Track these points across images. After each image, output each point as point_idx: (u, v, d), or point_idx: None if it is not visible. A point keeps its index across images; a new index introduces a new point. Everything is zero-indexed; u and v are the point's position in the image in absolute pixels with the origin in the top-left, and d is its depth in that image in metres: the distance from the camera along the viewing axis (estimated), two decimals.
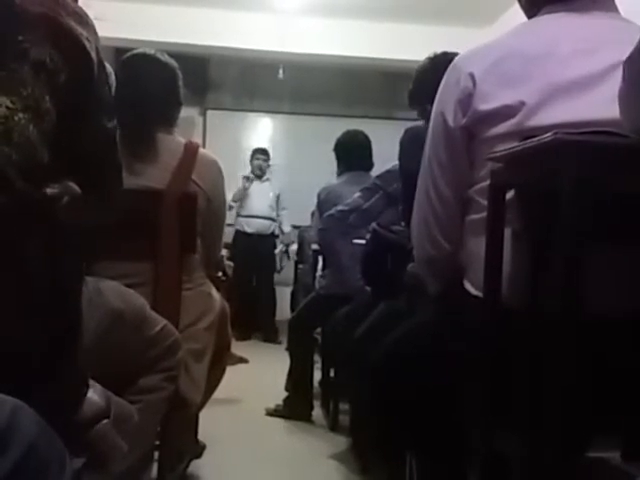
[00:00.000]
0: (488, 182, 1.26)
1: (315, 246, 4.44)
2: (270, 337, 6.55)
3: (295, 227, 6.68)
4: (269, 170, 6.80)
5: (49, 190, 0.89)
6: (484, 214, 1.27)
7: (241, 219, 6.59)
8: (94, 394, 1.07)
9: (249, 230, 6.59)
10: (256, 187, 6.67)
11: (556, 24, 1.38)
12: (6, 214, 0.80)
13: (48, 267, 0.85)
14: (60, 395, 0.88)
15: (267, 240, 6.70)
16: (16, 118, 0.85)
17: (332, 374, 3.62)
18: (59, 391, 0.88)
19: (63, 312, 0.90)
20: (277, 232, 6.80)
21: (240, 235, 6.54)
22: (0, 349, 0.78)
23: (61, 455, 0.72)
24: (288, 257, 6.87)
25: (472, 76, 1.34)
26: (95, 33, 1.03)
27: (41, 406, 0.71)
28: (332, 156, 3.86)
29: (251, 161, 6.72)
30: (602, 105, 1.20)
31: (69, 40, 0.96)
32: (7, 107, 0.84)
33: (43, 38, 0.93)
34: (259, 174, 6.68)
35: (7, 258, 0.80)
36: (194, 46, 6.27)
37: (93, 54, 1.01)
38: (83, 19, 1.01)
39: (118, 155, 1.16)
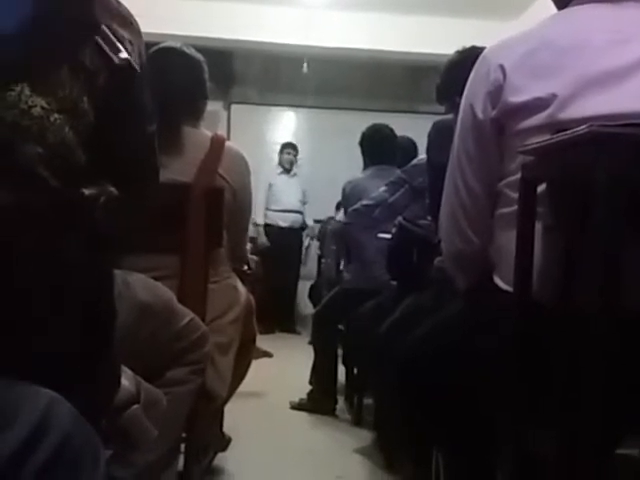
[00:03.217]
0: (519, 175, 1.24)
1: (334, 247, 4.43)
2: (288, 327, 6.58)
3: (317, 221, 6.69)
4: (296, 165, 6.83)
5: (86, 191, 0.88)
6: (514, 208, 1.26)
7: (271, 213, 6.61)
8: (125, 380, 1.08)
9: (283, 224, 6.61)
10: (285, 181, 6.70)
11: (588, 15, 1.36)
12: (42, 213, 0.80)
13: (84, 265, 0.85)
14: (94, 393, 0.88)
15: (298, 233, 6.77)
16: (51, 119, 0.84)
17: (356, 369, 3.61)
18: (93, 389, 0.88)
19: (98, 309, 0.90)
20: (304, 225, 6.85)
21: (272, 229, 6.56)
22: (36, 347, 0.79)
23: (96, 448, 0.73)
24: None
25: (502, 68, 1.32)
26: (139, 35, 1.02)
27: (75, 401, 0.72)
28: (356, 150, 3.85)
29: (280, 155, 6.74)
30: (637, 97, 1.18)
31: (110, 42, 0.95)
32: (42, 107, 0.83)
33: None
34: (289, 168, 6.71)
35: (44, 257, 0.80)
36: (218, 40, 6.28)
37: (134, 56, 0.99)
38: (127, 21, 1.00)
39: (156, 159, 1.15)
